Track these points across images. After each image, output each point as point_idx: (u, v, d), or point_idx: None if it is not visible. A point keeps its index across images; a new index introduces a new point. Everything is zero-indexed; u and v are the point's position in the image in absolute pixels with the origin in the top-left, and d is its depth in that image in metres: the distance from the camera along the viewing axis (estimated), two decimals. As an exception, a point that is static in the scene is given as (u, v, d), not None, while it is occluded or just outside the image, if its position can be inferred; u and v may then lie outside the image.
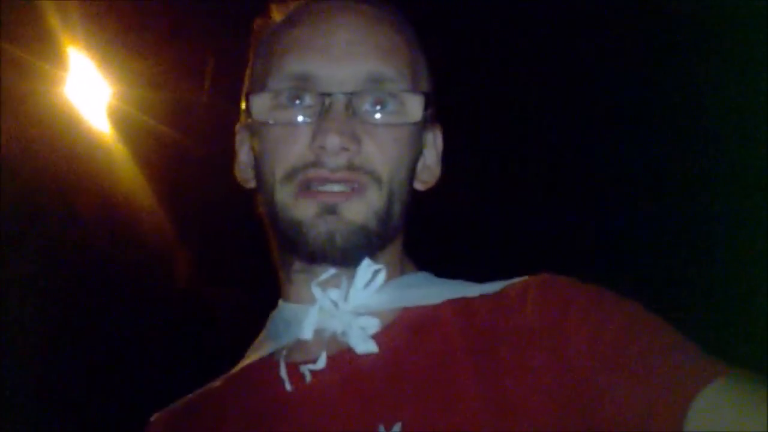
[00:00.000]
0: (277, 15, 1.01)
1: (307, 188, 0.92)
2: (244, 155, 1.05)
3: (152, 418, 1.06)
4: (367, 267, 0.94)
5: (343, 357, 0.93)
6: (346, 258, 0.93)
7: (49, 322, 3.02)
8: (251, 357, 1.02)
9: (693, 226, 2.68)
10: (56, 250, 3.03)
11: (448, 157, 1.06)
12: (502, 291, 0.96)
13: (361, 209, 0.92)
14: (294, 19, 0.98)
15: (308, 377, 0.92)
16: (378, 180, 0.93)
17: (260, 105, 0.95)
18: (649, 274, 2.69)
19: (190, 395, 1.06)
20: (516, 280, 0.97)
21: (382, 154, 0.93)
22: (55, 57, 2.71)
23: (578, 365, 0.84)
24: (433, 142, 1.04)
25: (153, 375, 3.03)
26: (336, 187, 0.92)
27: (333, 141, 0.90)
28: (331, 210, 0.91)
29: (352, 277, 0.94)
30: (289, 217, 0.93)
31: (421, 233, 1.08)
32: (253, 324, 1.07)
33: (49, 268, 3.01)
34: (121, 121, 2.99)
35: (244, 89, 1.03)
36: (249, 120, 0.99)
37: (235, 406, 0.99)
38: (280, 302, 1.02)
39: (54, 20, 2.57)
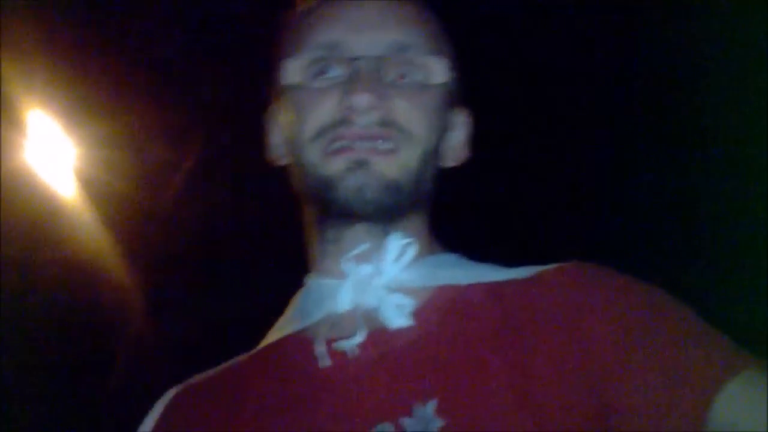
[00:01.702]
0: (302, 1, 1.04)
1: (337, 147, 0.93)
2: (275, 136, 1.06)
3: (171, 393, 1.03)
4: (397, 239, 0.95)
5: (377, 334, 0.92)
6: (377, 213, 0.93)
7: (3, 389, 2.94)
8: (277, 334, 1.02)
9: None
10: (18, 318, 2.96)
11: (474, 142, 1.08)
12: (532, 277, 0.97)
13: (393, 165, 0.93)
14: (321, 1, 1.01)
15: (350, 352, 0.92)
16: (409, 136, 0.94)
17: (292, 70, 0.97)
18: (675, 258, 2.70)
19: (211, 370, 1.04)
20: (546, 266, 0.98)
21: (412, 111, 0.95)
22: (17, 121, 2.67)
23: (602, 353, 0.86)
24: (462, 123, 1.06)
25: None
26: (367, 144, 0.93)
27: (362, 99, 0.91)
28: (361, 164, 0.92)
29: (382, 253, 0.95)
30: (318, 174, 0.94)
31: (449, 215, 1.09)
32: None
33: (10, 334, 2.93)
34: (86, 182, 2.95)
35: (274, 64, 1.03)
36: (277, 97, 1.02)
37: (264, 383, 0.97)
38: (309, 280, 1.02)
39: (14, 83, 2.54)
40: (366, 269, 0.95)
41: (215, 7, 2.79)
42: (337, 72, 0.96)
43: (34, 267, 2.97)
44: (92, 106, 2.79)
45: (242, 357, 1.03)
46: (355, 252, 0.95)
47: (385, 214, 0.94)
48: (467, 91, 1.07)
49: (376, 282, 0.95)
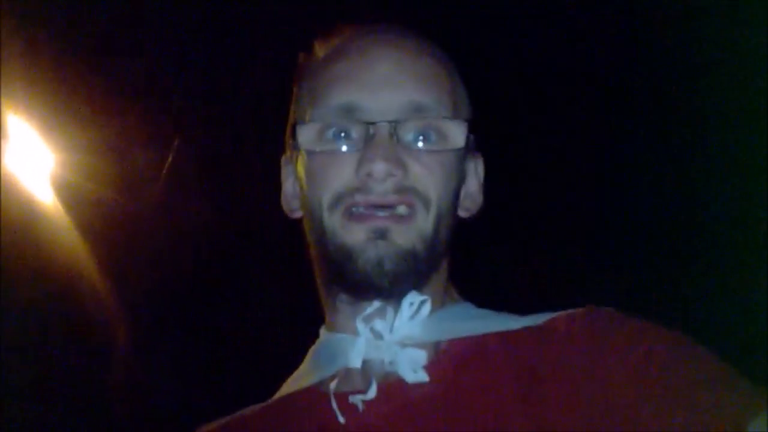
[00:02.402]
0: (320, 50, 1.04)
1: (356, 213, 0.93)
2: (289, 186, 1.07)
3: None
4: (412, 298, 0.95)
5: (392, 388, 0.93)
6: (394, 284, 0.93)
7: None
8: (292, 387, 1.02)
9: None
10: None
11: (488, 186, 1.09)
12: (546, 324, 0.97)
13: (410, 234, 0.93)
14: (337, 53, 1.01)
15: (360, 407, 0.92)
16: (426, 202, 0.95)
17: (306, 135, 0.97)
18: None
19: (228, 417, 1.04)
20: (560, 313, 0.98)
21: (429, 176, 0.95)
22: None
23: (623, 397, 0.85)
24: (475, 171, 1.07)
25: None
26: (385, 212, 0.93)
27: (379, 167, 0.91)
28: (381, 234, 0.92)
29: (397, 308, 0.95)
30: (339, 242, 0.94)
31: (463, 259, 1.09)
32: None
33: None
34: (64, 188, 2.91)
35: (290, 121, 1.04)
36: (294, 151, 1.02)
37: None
38: (324, 333, 1.03)
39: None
40: (379, 326, 0.95)
41: (201, 13, 2.78)
42: (352, 132, 0.95)
43: (11, 274, 2.93)
44: (72, 111, 2.76)
45: (258, 407, 1.04)
46: (369, 311, 0.95)
47: (401, 284, 0.94)
48: (482, 139, 1.06)
49: (390, 338, 0.95)
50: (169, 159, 2.91)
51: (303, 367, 1.05)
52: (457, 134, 0.97)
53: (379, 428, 0.91)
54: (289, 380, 1.05)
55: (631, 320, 0.93)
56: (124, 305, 3.13)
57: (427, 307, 0.96)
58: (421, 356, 0.94)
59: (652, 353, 0.86)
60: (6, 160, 2.78)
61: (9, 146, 2.74)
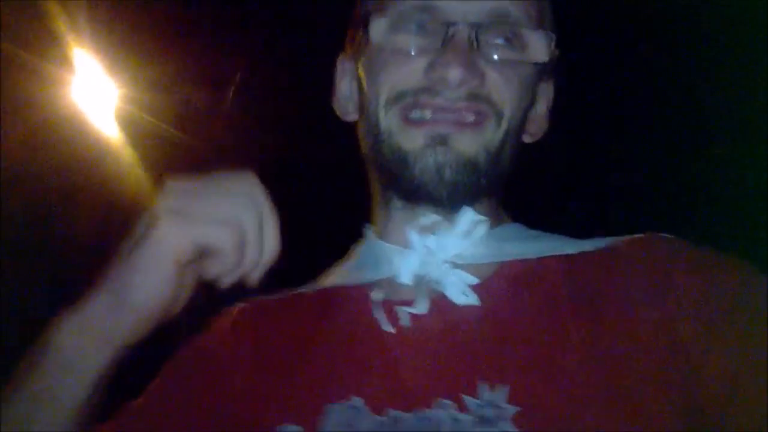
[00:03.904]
0: None
1: (416, 118, 0.88)
2: (345, 87, 1.01)
3: (235, 308, 1.03)
4: (469, 216, 0.90)
5: (441, 306, 0.89)
6: (453, 195, 0.88)
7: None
8: (337, 279, 0.99)
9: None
10: (62, 256, 3.00)
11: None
12: (604, 249, 0.91)
13: (474, 142, 0.88)
14: None
15: (406, 321, 0.89)
16: (499, 114, 0.89)
17: (379, 27, 0.90)
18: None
19: (275, 295, 1.02)
20: (619, 238, 0.92)
21: (506, 88, 0.88)
22: (62, 59, 2.68)
23: (684, 328, 0.81)
24: (546, 95, 1.01)
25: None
26: (450, 116, 0.87)
27: (456, 73, 0.85)
28: (442, 140, 0.87)
29: (451, 225, 0.90)
30: (395, 145, 0.89)
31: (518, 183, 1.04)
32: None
33: (56, 273, 2.97)
34: (128, 124, 2.95)
35: (359, 13, 0.97)
36: (358, 48, 0.95)
37: (329, 329, 0.94)
38: (371, 235, 0.99)
39: (60, 22, 2.53)
40: (431, 241, 0.91)
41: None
42: (430, 30, 0.89)
43: (77, 207, 3.00)
44: (136, 47, 2.78)
45: (305, 290, 1.01)
46: (424, 223, 0.91)
47: (459, 197, 0.89)
48: (559, 62, 0.99)
49: (441, 256, 0.90)
50: (230, 95, 2.92)
51: (347, 262, 1.01)
52: (542, 46, 0.90)
53: (424, 343, 0.87)
54: (331, 272, 1.01)
55: (695, 249, 0.88)
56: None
57: (482, 228, 0.91)
58: (471, 280, 0.89)
59: (717, 287, 0.82)
60: (72, 94, 2.82)
61: (75, 80, 2.77)
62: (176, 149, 2.99)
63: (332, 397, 0.86)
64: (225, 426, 0.91)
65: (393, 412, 0.83)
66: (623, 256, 0.89)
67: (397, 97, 0.89)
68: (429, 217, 0.90)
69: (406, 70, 0.88)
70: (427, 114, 0.87)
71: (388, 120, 0.89)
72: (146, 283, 0.74)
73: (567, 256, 0.91)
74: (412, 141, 0.88)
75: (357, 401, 0.85)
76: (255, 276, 0.78)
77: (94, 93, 2.87)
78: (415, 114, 0.88)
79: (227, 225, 0.75)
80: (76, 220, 3.02)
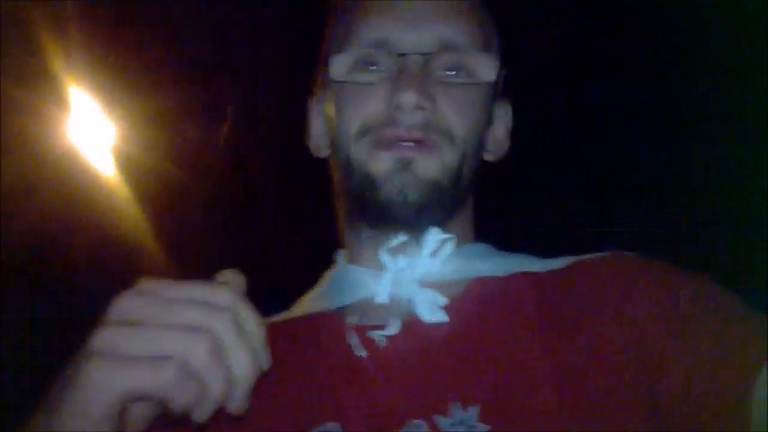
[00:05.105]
0: None
1: (382, 142, 0.93)
2: (317, 127, 1.07)
3: None
4: (435, 235, 0.94)
5: (412, 326, 0.92)
6: (418, 216, 0.92)
7: (46, 366, 2.97)
8: (310, 307, 1.01)
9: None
10: (58, 292, 2.99)
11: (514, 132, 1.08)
12: (571, 267, 0.96)
13: (435, 165, 0.93)
14: None
15: (382, 343, 0.91)
16: (452, 139, 0.94)
17: (339, 65, 0.97)
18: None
19: None
20: (584, 256, 0.97)
21: (456, 114, 0.94)
22: (58, 97, 2.69)
23: (646, 335, 0.85)
24: (503, 115, 1.06)
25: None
26: (409, 143, 0.92)
27: (410, 98, 0.91)
28: (405, 164, 0.92)
29: (419, 245, 0.94)
30: (364, 172, 0.94)
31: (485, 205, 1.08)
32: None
33: (51, 309, 2.97)
34: (125, 162, 2.96)
35: (322, 56, 1.04)
36: (324, 88, 1.02)
37: (300, 356, 0.96)
38: (342, 263, 1.02)
39: (56, 60, 2.55)
40: (401, 261, 0.94)
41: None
42: (384, 65, 0.95)
43: (72, 244, 3.00)
44: (133, 84, 2.80)
45: (278, 319, 1.02)
46: (394, 244, 0.94)
47: (425, 217, 0.93)
48: (510, 82, 1.05)
49: (410, 275, 0.94)
50: (225, 131, 2.93)
51: (320, 289, 1.04)
52: (488, 68, 0.96)
53: (397, 365, 0.90)
54: (305, 299, 1.04)
55: (657, 265, 0.93)
56: (182, 274, 3.18)
57: (450, 246, 0.95)
58: (441, 300, 0.93)
59: (680, 296, 0.87)
60: (68, 133, 2.83)
61: (71, 119, 2.79)
62: (173, 186, 2.99)
63: (310, 423, 0.88)
64: None
65: None
66: (588, 274, 0.94)
67: (365, 131, 0.94)
68: (398, 238, 0.94)
69: (369, 104, 0.94)
70: (391, 143, 0.93)
71: (357, 150, 0.95)
72: (77, 428, 0.65)
73: (534, 274, 0.96)
74: (380, 164, 0.93)
75: (333, 426, 0.87)
76: (233, 407, 0.68)
77: (91, 131, 2.88)
78: (381, 145, 0.93)
79: (165, 364, 0.65)
80: (71, 257, 3.02)
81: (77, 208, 2.91)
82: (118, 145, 2.93)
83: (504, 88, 1.05)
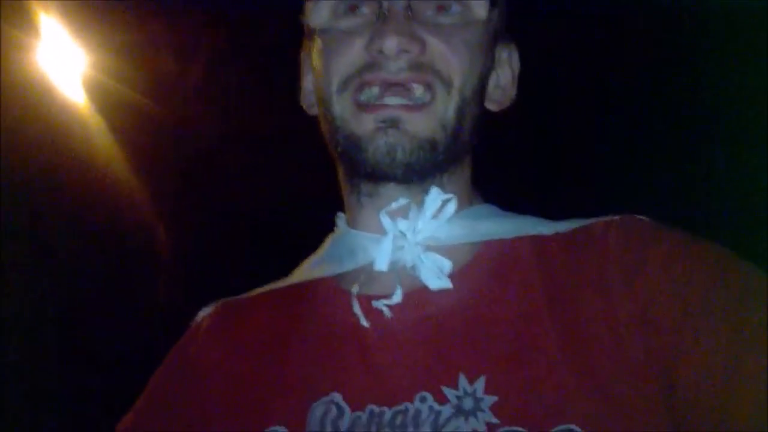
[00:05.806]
0: None
1: (364, 101, 0.86)
2: (308, 82, 0.99)
3: (210, 309, 1.01)
4: (436, 195, 0.89)
5: (417, 295, 0.87)
6: (410, 174, 0.86)
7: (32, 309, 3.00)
8: (311, 273, 0.97)
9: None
10: (29, 220, 2.99)
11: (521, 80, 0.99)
12: (580, 230, 0.90)
13: (427, 121, 0.86)
14: None
15: (387, 314, 0.87)
16: (447, 82, 0.87)
17: (318, 13, 0.91)
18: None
19: (249, 294, 1.01)
20: (594, 220, 0.91)
21: (451, 53, 0.87)
22: (29, 24, 2.66)
23: (664, 313, 0.79)
24: (508, 60, 0.99)
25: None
26: (397, 100, 0.86)
27: (391, 42, 0.83)
28: (392, 122, 0.85)
29: (420, 207, 0.89)
30: (348, 132, 0.88)
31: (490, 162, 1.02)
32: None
33: (19, 236, 2.97)
34: (96, 90, 2.94)
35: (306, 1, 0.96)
36: (309, 39, 0.95)
37: (306, 324, 0.93)
38: (343, 226, 0.97)
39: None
40: (402, 225, 0.89)
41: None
42: (366, 14, 0.88)
43: (43, 174, 2.99)
44: (104, 12, 2.76)
45: (278, 286, 1.00)
46: (394, 206, 0.89)
47: (418, 175, 0.87)
48: (515, 24, 0.98)
49: (412, 238, 0.88)
50: (200, 64, 2.92)
51: (320, 254, 0.99)
52: (478, 5, 0.89)
53: (403, 334, 0.86)
54: (305, 265, 1.00)
55: (671, 232, 0.86)
56: (155, 204, 3.20)
57: (451, 206, 0.89)
58: (446, 264, 0.87)
59: (694, 266, 0.81)
60: (39, 60, 2.81)
61: (42, 46, 2.76)
62: (143, 115, 2.98)
63: (315, 394, 0.85)
64: None
65: (372, 407, 0.82)
66: (599, 238, 0.88)
67: (346, 82, 0.88)
68: (398, 201, 0.89)
69: (349, 52, 0.87)
70: (375, 91, 0.86)
71: (340, 106, 0.88)
72: None
73: (542, 238, 0.90)
74: (363, 126, 0.86)
75: (336, 396, 0.84)
76: None
77: (62, 59, 2.85)
78: (365, 95, 0.87)
79: None
80: (43, 187, 3.01)
81: (48, 137, 2.90)
82: (90, 74, 2.91)
83: (509, 30, 0.97)
